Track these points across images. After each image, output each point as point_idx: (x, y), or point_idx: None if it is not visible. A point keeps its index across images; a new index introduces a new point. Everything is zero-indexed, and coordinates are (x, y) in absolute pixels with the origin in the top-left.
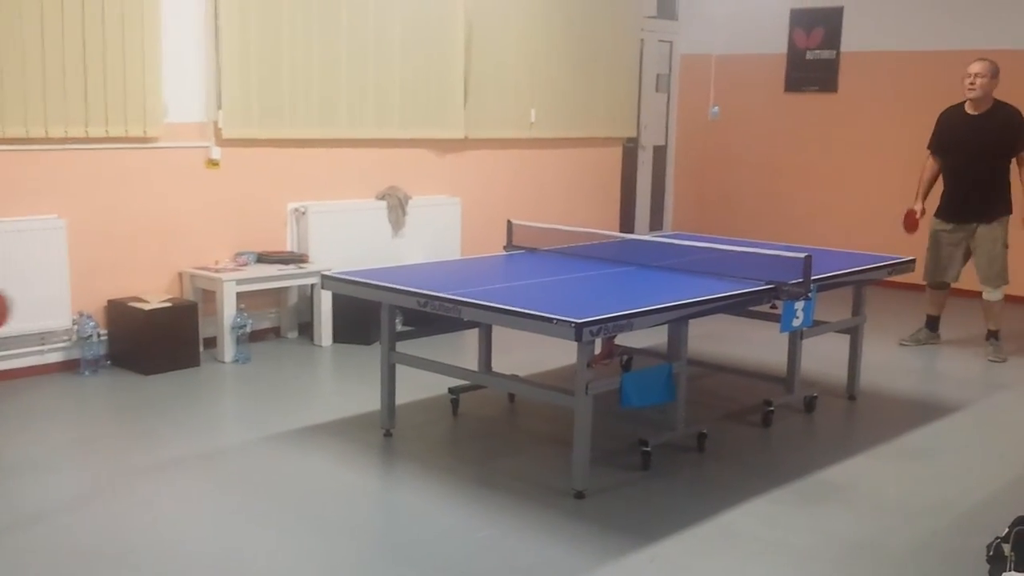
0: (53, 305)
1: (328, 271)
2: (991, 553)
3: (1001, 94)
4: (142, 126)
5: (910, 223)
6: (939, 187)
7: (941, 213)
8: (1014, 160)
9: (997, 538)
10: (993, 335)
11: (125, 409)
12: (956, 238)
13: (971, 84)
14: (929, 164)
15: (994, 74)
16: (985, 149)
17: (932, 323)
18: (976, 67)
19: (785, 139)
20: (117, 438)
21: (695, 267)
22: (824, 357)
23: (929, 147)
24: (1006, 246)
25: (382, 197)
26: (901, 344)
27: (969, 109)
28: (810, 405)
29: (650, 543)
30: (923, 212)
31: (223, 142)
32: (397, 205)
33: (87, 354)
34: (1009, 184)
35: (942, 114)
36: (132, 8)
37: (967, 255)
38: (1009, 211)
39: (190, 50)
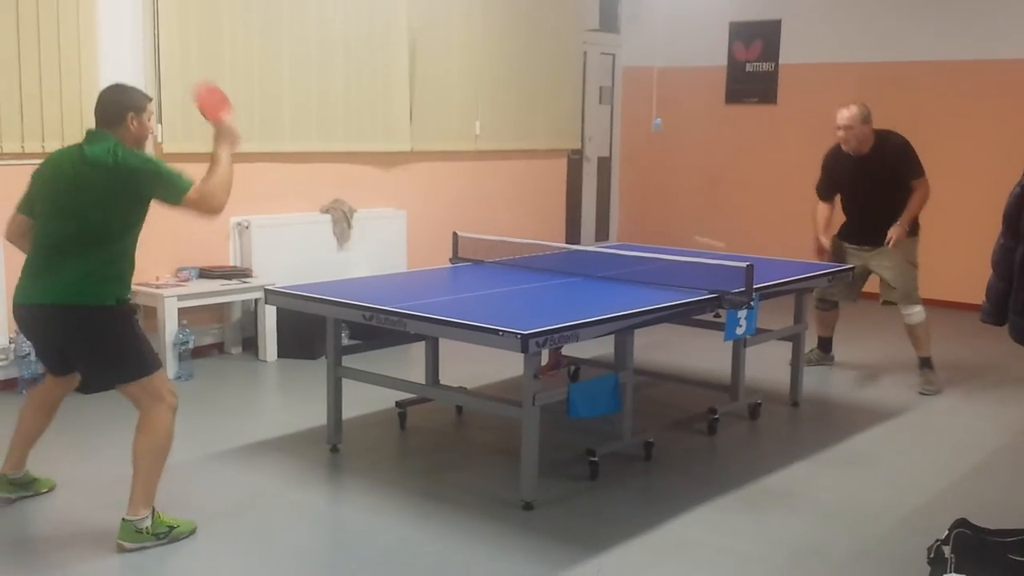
0: None
1: (272, 285)
2: (932, 556)
3: (937, 107)
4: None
5: (823, 256)
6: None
7: (843, 235)
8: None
9: (937, 540)
10: (925, 363)
11: (64, 428)
12: (857, 256)
13: (843, 139)
14: (821, 208)
15: (864, 119)
16: (878, 187)
17: (824, 344)
18: (843, 119)
19: (726, 150)
20: (57, 458)
21: (640, 277)
22: (767, 364)
23: (818, 192)
24: (915, 265)
25: (327, 210)
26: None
27: (852, 153)
28: (754, 412)
29: (598, 553)
30: (827, 248)
31: (163, 156)
32: (342, 218)
33: (25, 373)
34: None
35: (826, 157)
36: (68, 21)
37: (864, 279)
38: (916, 232)
39: (128, 63)
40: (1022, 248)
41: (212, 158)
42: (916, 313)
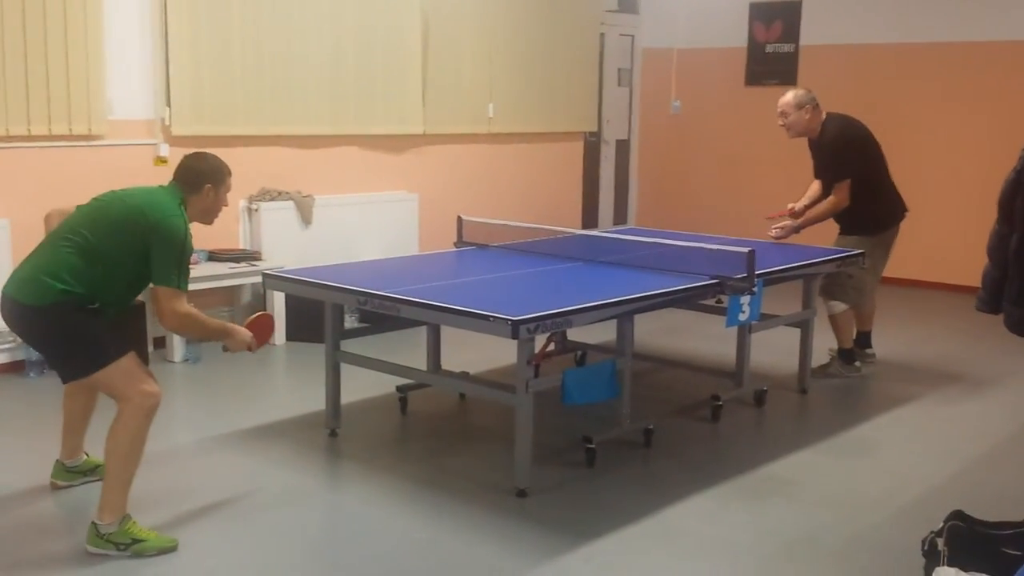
0: None
1: (271, 270)
2: (926, 548)
3: (958, 89)
4: (86, 124)
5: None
6: None
7: None
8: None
9: (932, 532)
10: (841, 354)
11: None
12: None
13: (782, 126)
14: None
15: (800, 105)
16: (823, 176)
17: (860, 338)
18: (780, 105)
19: (746, 132)
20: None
21: (644, 263)
22: (780, 350)
23: None
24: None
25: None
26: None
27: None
28: (760, 399)
29: (588, 541)
30: (792, 210)
31: (172, 139)
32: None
33: (33, 355)
34: (862, 204)
35: None
36: (74, 3)
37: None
38: (862, 232)
39: (136, 44)
40: (1017, 236)
41: (226, 329)
42: (832, 306)
